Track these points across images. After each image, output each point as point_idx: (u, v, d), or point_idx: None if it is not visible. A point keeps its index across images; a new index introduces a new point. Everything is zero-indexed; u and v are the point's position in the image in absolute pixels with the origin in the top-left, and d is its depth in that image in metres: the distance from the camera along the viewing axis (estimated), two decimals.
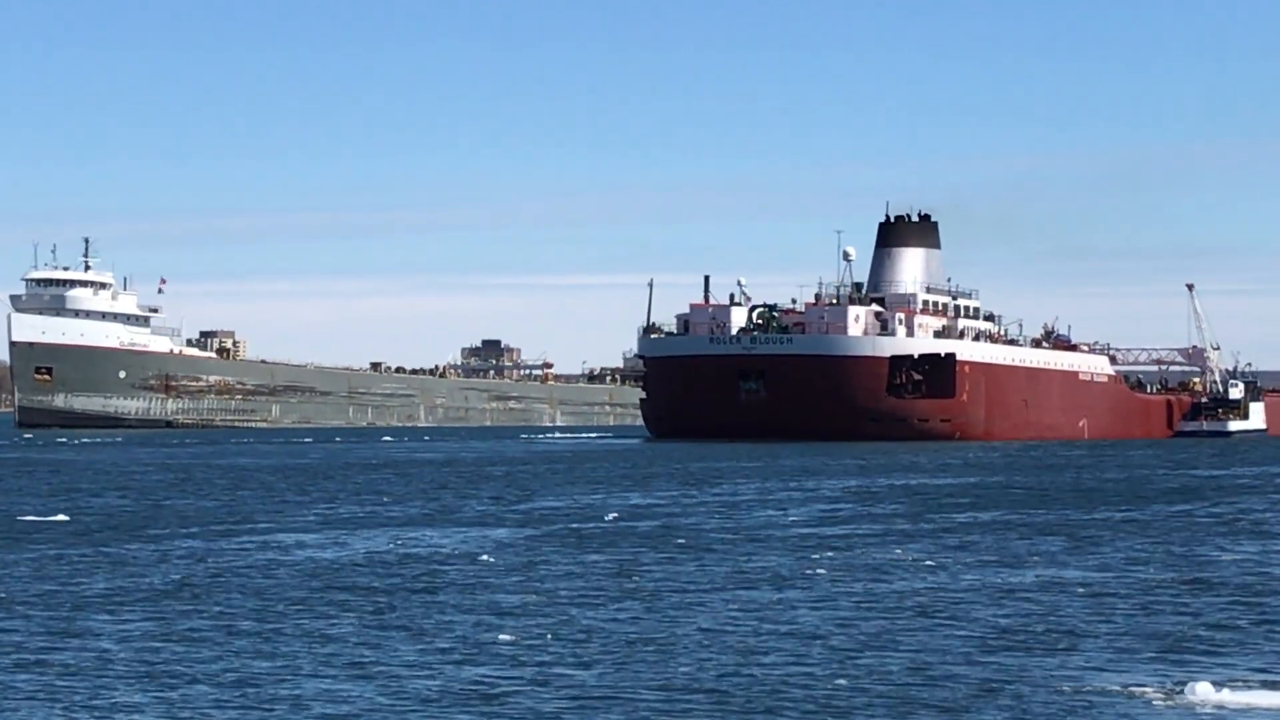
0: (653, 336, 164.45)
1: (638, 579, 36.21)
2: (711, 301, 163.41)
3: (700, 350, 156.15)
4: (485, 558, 40.77)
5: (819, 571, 37.96)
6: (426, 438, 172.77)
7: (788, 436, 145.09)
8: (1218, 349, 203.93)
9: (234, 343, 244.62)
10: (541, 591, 33.75)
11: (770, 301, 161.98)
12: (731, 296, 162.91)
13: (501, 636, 27.17)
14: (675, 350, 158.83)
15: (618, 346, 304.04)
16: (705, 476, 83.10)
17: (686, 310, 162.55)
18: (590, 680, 23.23)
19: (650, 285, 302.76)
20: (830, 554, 42.34)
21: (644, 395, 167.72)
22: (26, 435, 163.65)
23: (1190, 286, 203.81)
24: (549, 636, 27.16)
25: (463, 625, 28.81)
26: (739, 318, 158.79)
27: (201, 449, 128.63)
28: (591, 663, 24.72)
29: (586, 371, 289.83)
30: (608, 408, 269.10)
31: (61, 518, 52.44)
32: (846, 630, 28.40)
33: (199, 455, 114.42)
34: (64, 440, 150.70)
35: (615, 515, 55.85)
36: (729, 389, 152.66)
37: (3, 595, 32.57)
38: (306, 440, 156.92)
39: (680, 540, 46.24)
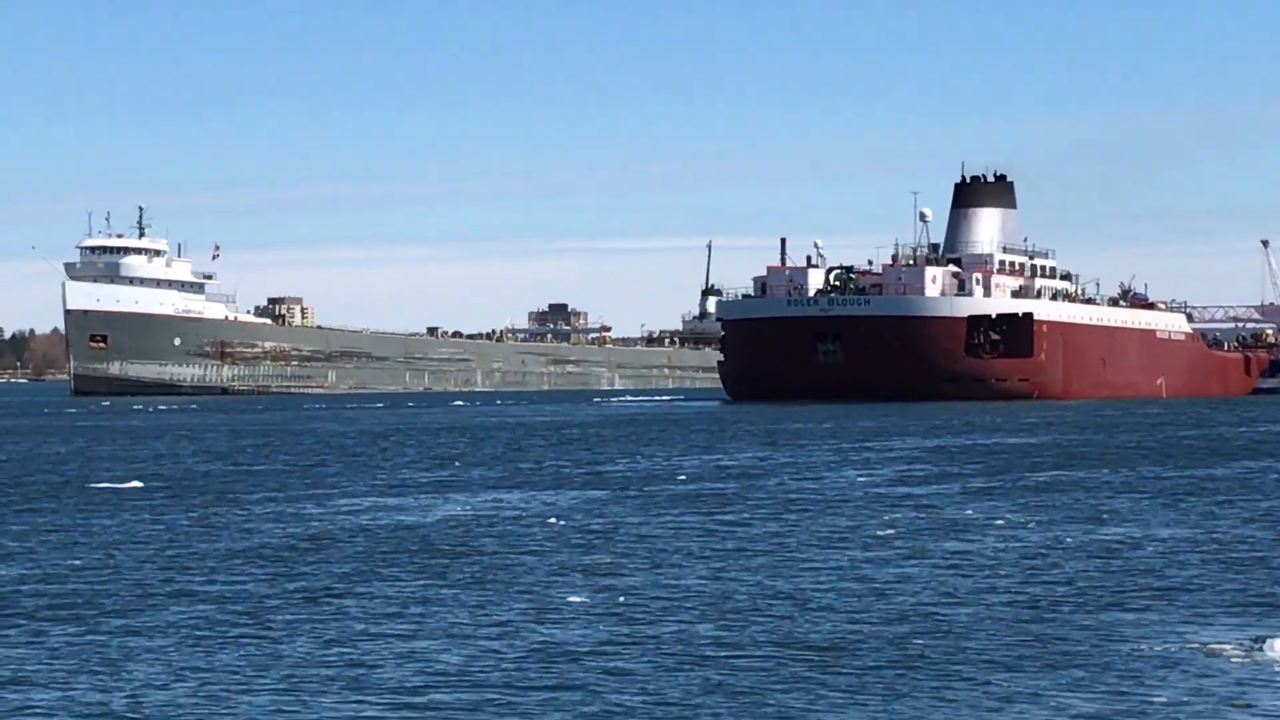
0: (724, 299, 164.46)
1: (703, 539, 35.75)
2: (788, 264, 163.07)
3: (777, 312, 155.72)
4: (559, 521, 40.34)
5: (891, 530, 37.44)
6: (499, 401, 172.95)
7: (865, 398, 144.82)
8: None
9: (301, 310, 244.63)
10: (616, 552, 33.34)
11: (847, 263, 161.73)
12: (808, 258, 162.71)
13: (573, 599, 26.64)
14: (752, 312, 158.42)
15: (677, 310, 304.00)
16: (783, 438, 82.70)
17: (761, 273, 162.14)
18: (655, 628, 22.73)
19: (709, 247, 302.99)
20: (903, 513, 41.86)
21: (721, 358, 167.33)
22: (69, 410, 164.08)
23: (1265, 243, 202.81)
24: (621, 598, 26.64)
25: (541, 585, 28.34)
26: (816, 279, 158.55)
27: (275, 414, 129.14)
28: (653, 614, 24.22)
29: (645, 335, 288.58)
30: (666, 371, 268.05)
31: (136, 484, 52.22)
32: (915, 588, 27.87)
33: (273, 420, 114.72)
34: (139, 407, 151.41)
35: (688, 476, 55.41)
36: (806, 351, 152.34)
37: (79, 563, 32.25)
38: (378, 405, 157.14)
39: (755, 501, 45.80)
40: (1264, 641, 21.95)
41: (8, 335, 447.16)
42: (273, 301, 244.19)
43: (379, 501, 46.20)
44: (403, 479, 55.21)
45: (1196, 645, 22.22)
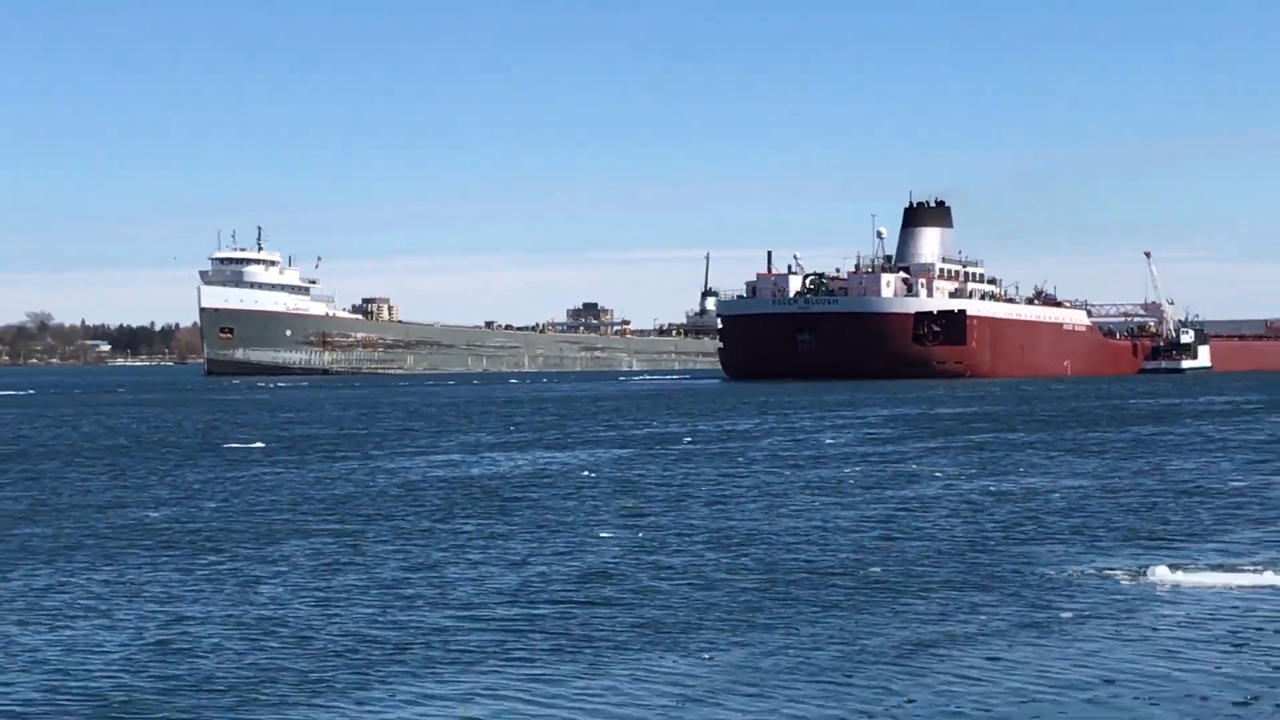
0: (722, 298, 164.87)
1: (710, 487, 35.72)
2: (773, 271, 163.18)
3: (765, 309, 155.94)
4: (589, 473, 40.31)
5: (854, 481, 37.36)
6: (544, 380, 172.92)
7: (835, 377, 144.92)
8: (1172, 304, 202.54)
9: (389, 307, 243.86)
10: (638, 498, 33.29)
11: (820, 271, 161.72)
12: (789, 267, 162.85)
13: (604, 535, 26.65)
14: (745, 310, 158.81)
15: (681, 307, 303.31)
16: (771, 408, 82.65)
17: (752, 278, 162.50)
18: (674, 563, 22.74)
19: (707, 258, 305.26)
20: (864, 467, 41.77)
21: (721, 345, 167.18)
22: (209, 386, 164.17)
23: (1148, 254, 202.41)
24: (641, 535, 26.64)
25: (580, 524, 28.34)
26: (795, 284, 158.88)
27: (370, 390, 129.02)
28: (672, 551, 24.23)
29: (656, 327, 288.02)
30: (673, 355, 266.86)
31: (259, 445, 52.30)
32: (868, 526, 27.81)
33: (369, 395, 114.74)
34: (264, 384, 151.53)
35: (696, 438, 55.36)
36: (788, 340, 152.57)
37: (215, 506, 32.28)
38: (450, 382, 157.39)
39: (748, 457, 45.76)
40: (1147, 568, 21.95)
41: (157, 328, 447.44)
42: (366, 301, 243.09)
43: (454, 458, 46.22)
44: (475, 440, 55.23)
45: (1094, 571, 22.20)
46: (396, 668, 15.96)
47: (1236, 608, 19.06)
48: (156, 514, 30.63)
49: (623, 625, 18.17)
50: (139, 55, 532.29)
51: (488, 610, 19.26)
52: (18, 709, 14.37)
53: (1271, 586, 20.61)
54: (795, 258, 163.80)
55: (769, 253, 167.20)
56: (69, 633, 17.96)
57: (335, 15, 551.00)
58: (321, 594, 20.58)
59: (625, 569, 22.61)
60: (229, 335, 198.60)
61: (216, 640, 17.43)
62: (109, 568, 23.16)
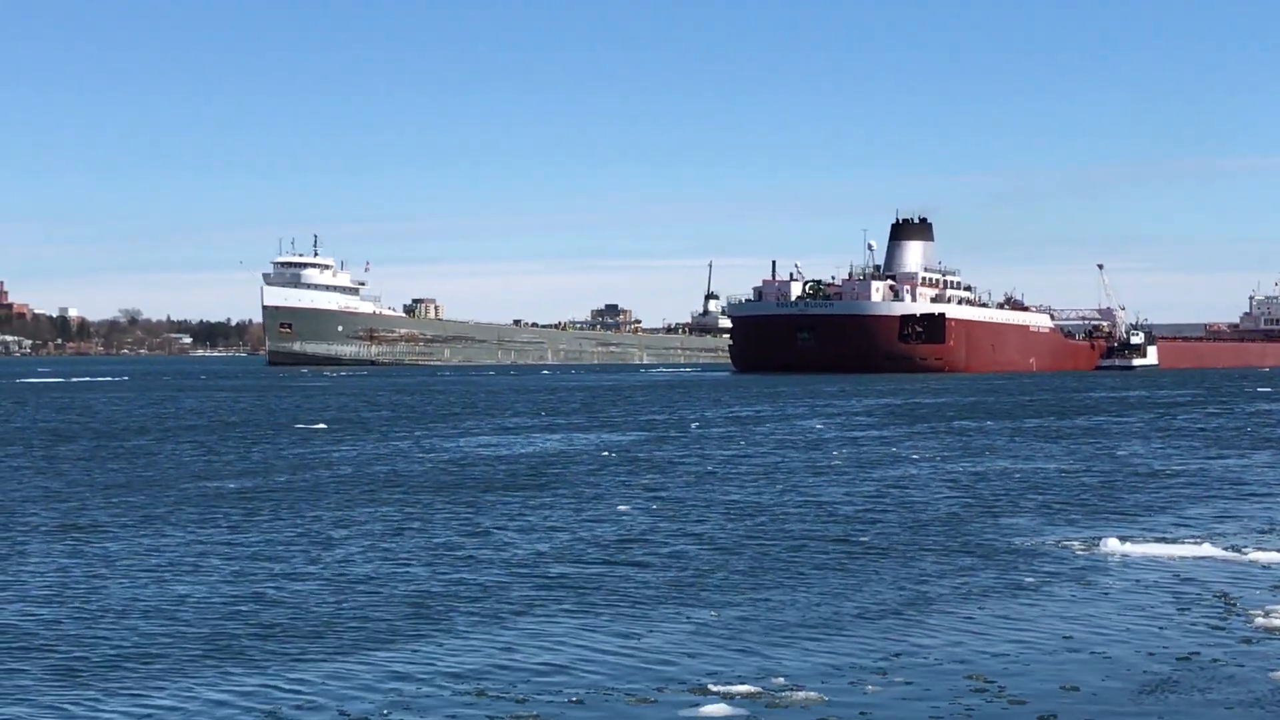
0: (731, 301, 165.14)
1: (712, 465, 35.62)
2: (777, 278, 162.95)
3: (770, 311, 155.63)
4: (610, 454, 40.23)
5: (840, 461, 37.21)
6: (573, 371, 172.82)
7: (830, 370, 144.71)
8: (1123, 309, 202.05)
9: (435, 307, 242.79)
10: (654, 475, 33.20)
11: (818, 278, 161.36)
12: (790, 274, 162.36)
13: (621, 507, 26.55)
14: (753, 311, 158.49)
15: (687, 308, 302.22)
16: (775, 397, 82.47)
17: (758, 284, 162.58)
18: (671, 530, 22.67)
19: (710, 265, 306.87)
20: (854, 449, 41.60)
21: (730, 342, 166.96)
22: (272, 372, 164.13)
23: (1100, 266, 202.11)
24: (649, 508, 26.55)
25: (601, 498, 28.27)
26: (796, 289, 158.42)
27: (416, 378, 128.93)
28: (679, 520, 24.15)
29: (665, 326, 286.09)
30: (679, 351, 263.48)
31: (321, 426, 52.24)
32: (857, 500, 27.68)
33: (415, 383, 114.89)
34: (329, 373, 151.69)
35: (707, 422, 55.22)
36: (790, 338, 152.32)
37: (283, 479, 32.30)
38: (490, 373, 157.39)
39: (753, 439, 45.64)
40: (1099, 540, 21.81)
41: (233, 323, 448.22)
42: (416, 301, 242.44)
43: (491, 440, 46.17)
44: (513, 423, 55.20)
45: (1053, 542, 22.06)
46: (442, 619, 15.91)
47: (1178, 574, 18.89)
48: (235, 484, 30.65)
49: (639, 584, 18.10)
50: (205, 87, 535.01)
51: (527, 567, 19.24)
52: (134, 648, 14.34)
53: (1209, 556, 20.44)
54: (796, 266, 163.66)
55: (773, 261, 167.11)
56: (174, 586, 17.95)
57: (380, 55, 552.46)
58: (387, 551, 20.56)
59: (638, 535, 22.52)
60: (288, 330, 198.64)
61: (302, 590, 17.42)
62: (204, 529, 23.17)
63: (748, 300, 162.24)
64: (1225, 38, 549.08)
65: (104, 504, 26.82)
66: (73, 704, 12.45)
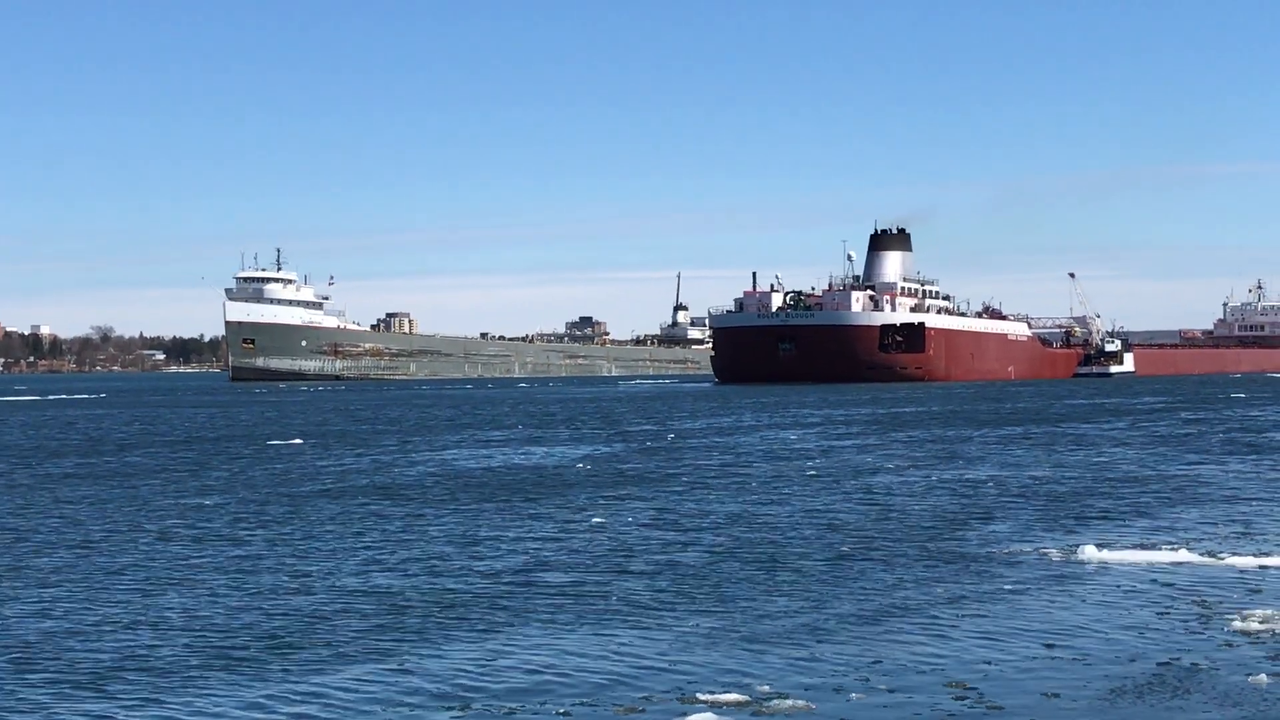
0: (715, 313, 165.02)
1: (693, 476, 35.60)
2: (758, 289, 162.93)
3: (751, 322, 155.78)
4: (586, 466, 40.18)
5: (821, 469, 37.23)
6: (551, 384, 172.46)
7: (812, 380, 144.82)
8: (1098, 317, 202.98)
9: (409, 321, 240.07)
10: (627, 486, 33.18)
11: (798, 288, 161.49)
12: (771, 285, 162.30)
13: (596, 520, 26.54)
14: (734, 322, 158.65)
15: (659, 319, 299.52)
16: (757, 408, 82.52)
17: (738, 295, 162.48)
18: (650, 542, 22.68)
19: (679, 277, 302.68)
20: (833, 457, 41.62)
21: (713, 354, 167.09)
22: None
23: (1072, 275, 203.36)
24: (625, 519, 26.55)
25: (574, 509, 28.26)
26: (777, 300, 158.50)
27: (384, 394, 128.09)
28: (662, 530, 24.16)
29: (634, 337, 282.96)
30: (648, 362, 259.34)
31: (297, 441, 52.04)
32: (838, 508, 27.70)
33: (385, 398, 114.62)
34: (305, 389, 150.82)
35: (682, 434, 55.21)
36: (771, 348, 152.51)
37: (257, 495, 32.21)
38: (468, 386, 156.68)
39: (736, 450, 45.63)
40: (1077, 547, 21.88)
41: (206, 339, 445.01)
42: (390, 315, 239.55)
43: (472, 452, 46.09)
44: (488, 436, 55.14)
45: (1030, 549, 22.12)
46: (425, 631, 15.90)
47: (1156, 581, 18.97)
48: (210, 501, 30.57)
49: (623, 595, 18.09)
50: (181, 104, 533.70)
51: (501, 582, 19.23)
52: (120, 661, 14.32)
53: (1186, 562, 20.53)
54: (777, 277, 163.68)
55: (754, 273, 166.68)
56: (155, 601, 17.90)
57: (352, 71, 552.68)
58: (362, 566, 20.52)
59: (609, 548, 22.50)
60: (250, 345, 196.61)
61: (283, 605, 17.40)
62: (189, 543, 23.11)
63: (729, 312, 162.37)
64: (1202, 45, 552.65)
65: (97, 520, 26.75)
66: (29, 712, 12.43)
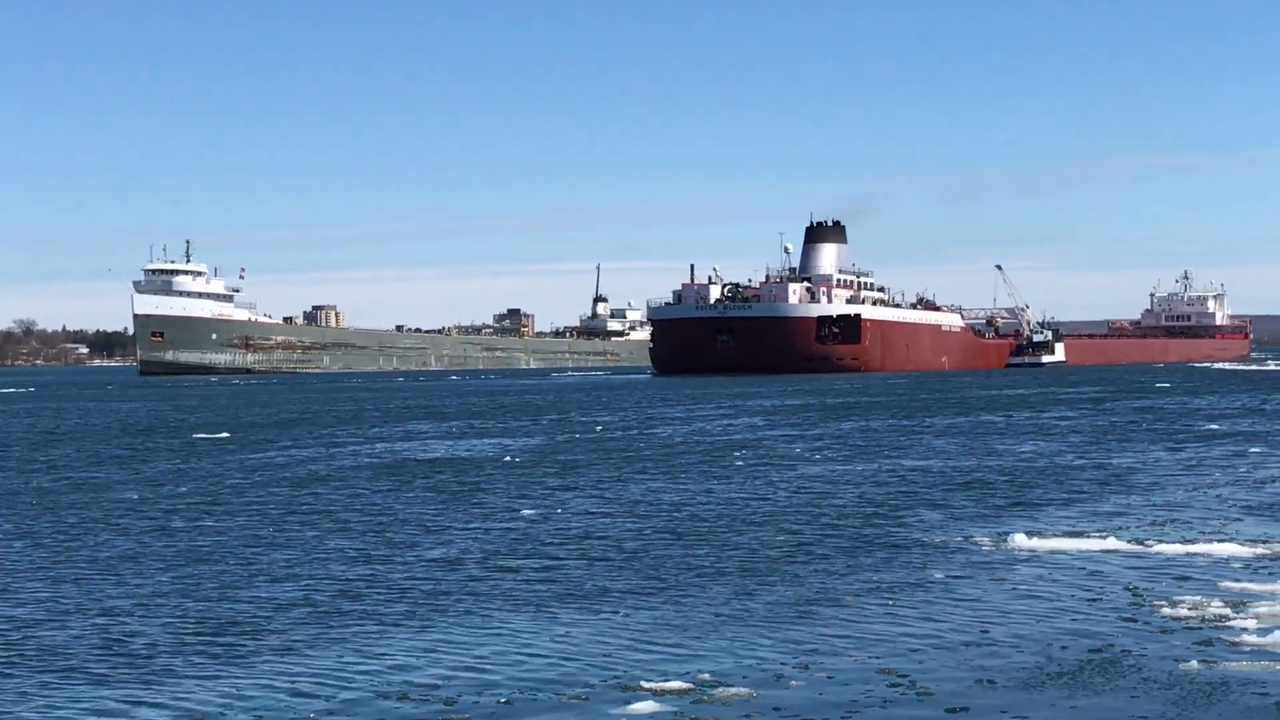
0: (653, 305, 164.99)
1: (627, 468, 35.61)
2: (695, 281, 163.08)
3: (689, 314, 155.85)
4: (515, 458, 40.10)
5: (747, 462, 37.30)
6: (482, 376, 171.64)
7: (750, 371, 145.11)
8: (1027, 308, 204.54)
9: (336, 314, 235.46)
10: (557, 479, 33.14)
11: (736, 281, 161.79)
12: (709, 277, 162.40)
13: (525, 512, 26.48)
14: (672, 314, 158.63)
15: (576, 310, 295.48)
16: (695, 399, 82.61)
17: (668, 287, 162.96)
18: (585, 532, 22.69)
19: (598, 268, 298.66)
20: (767, 448, 41.70)
21: (652, 345, 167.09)
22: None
23: (999, 267, 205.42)
24: (559, 510, 26.52)
25: (505, 501, 28.21)
26: (715, 292, 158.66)
27: (324, 385, 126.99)
28: (600, 520, 24.17)
29: (553, 330, 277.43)
30: (567, 355, 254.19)
31: (225, 435, 51.28)
32: (765, 500, 27.79)
33: (321, 390, 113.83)
34: (192, 381, 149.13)
35: (602, 427, 55.17)
36: (709, 340, 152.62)
37: (184, 490, 31.95)
38: (399, 379, 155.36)
39: (658, 443, 45.64)
40: (1006, 535, 22.06)
41: (130, 332, 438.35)
42: (316, 308, 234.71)
43: (405, 445, 45.85)
44: (421, 430, 54.89)
45: (961, 538, 22.28)
46: (366, 620, 15.83)
47: (1085, 568, 19.17)
48: (137, 495, 30.26)
49: (564, 585, 18.09)
50: (90, 96, 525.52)
51: (441, 572, 19.19)
52: (68, 654, 14.15)
53: (1115, 549, 20.76)
54: (715, 269, 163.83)
55: (691, 265, 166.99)
56: (94, 592, 17.71)
57: (276, 67, 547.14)
58: (299, 557, 20.42)
59: (539, 540, 22.47)
60: (159, 339, 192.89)
61: (225, 592, 17.25)
62: (111, 536, 22.86)
63: (667, 304, 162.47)
64: (1131, 38, 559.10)
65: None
66: None
